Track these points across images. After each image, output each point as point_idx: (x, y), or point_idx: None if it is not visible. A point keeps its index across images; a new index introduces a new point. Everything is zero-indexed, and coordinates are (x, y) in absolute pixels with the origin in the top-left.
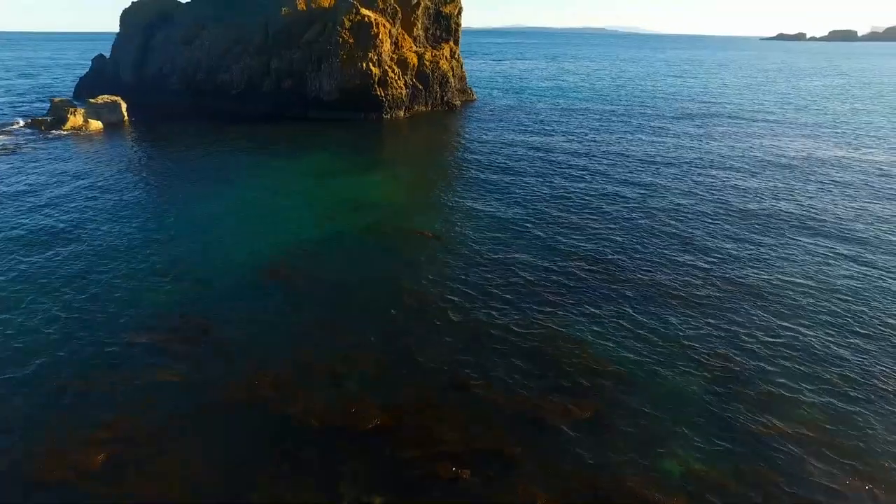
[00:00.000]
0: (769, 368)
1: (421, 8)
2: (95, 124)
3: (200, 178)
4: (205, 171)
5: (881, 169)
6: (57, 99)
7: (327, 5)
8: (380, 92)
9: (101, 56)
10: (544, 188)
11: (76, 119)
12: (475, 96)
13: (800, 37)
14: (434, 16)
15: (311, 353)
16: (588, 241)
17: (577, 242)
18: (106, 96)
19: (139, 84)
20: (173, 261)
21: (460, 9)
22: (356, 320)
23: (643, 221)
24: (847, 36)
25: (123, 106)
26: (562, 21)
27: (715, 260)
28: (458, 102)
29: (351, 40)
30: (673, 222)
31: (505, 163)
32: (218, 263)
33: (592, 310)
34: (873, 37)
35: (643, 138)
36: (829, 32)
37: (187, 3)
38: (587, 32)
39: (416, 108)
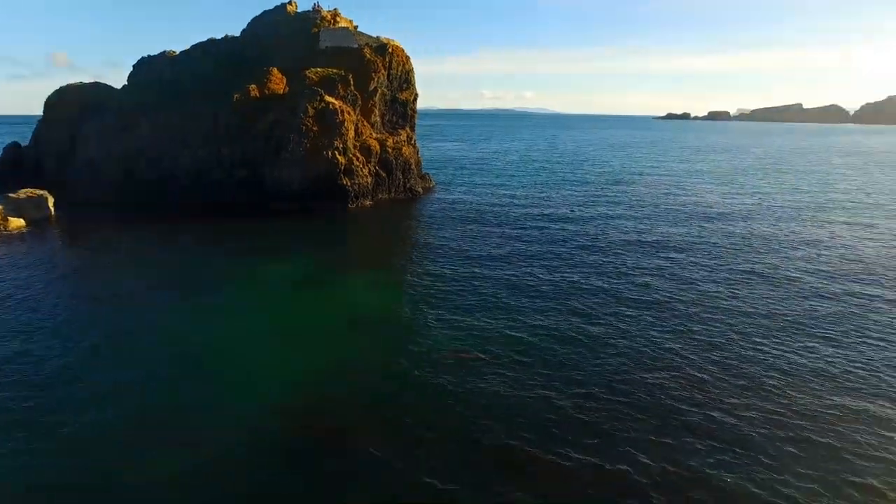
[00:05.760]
0: None
1: (378, 94)
2: (16, 222)
3: (157, 290)
4: (160, 282)
5: None
6: None
7: (281, 92)
8: (346, 181)
9: (15, 144)
10: (556, 280)
11: None
12: (433, 183)
13: (685, 116)
14: (390, 102)
15: None
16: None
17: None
18: (29, 190)
19: (66, 175)
20: (173, 413)
21: (416, 95)
22: None
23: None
24: (722, 116)
25: (50, 200)
26: (472, 104)
27: None
28: (420, 189)
29: (315, 128)
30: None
31: (502, 256)
32: (222, 422)
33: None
34: (742, 117)
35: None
36: (708, 113)
37: (122, 89)
38: (499, 113)
39: (380, 195)
